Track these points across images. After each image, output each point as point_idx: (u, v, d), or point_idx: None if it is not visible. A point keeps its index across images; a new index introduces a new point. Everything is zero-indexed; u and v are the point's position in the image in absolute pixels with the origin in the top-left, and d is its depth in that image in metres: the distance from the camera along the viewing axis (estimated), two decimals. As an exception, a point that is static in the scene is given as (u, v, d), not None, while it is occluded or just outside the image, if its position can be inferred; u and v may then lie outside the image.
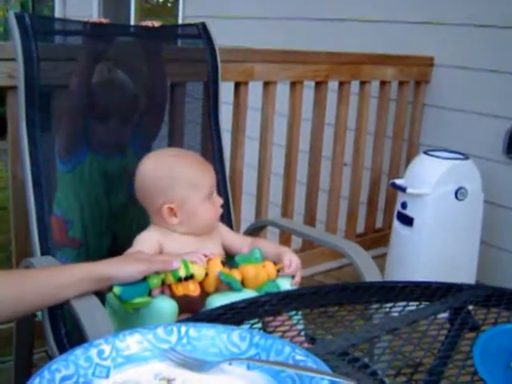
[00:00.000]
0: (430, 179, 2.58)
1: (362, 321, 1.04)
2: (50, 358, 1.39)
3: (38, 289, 1.19)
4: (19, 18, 1.50)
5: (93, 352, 0.77)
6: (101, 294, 1.27)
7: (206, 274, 1.30)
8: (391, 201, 3.09)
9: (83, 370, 0.75)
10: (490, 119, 2.92)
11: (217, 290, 1.31)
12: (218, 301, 1.23)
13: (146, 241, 1.41)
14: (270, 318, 1.06)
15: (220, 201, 1.49)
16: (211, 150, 1.86)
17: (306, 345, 1.03)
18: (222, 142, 1.88)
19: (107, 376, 0.76)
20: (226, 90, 1.98)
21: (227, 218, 1.81)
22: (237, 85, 2.37)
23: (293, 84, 2.61)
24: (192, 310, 1.28)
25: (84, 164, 1.63)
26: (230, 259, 1.46)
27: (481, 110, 2.96)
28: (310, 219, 2.87)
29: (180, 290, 1.26)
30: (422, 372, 0.87)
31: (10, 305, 1.16)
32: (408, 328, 1.00)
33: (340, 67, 2.78)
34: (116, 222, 1.69)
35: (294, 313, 1.11)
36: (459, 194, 2.58)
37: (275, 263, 1.39)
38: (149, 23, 1.73)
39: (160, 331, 0.82)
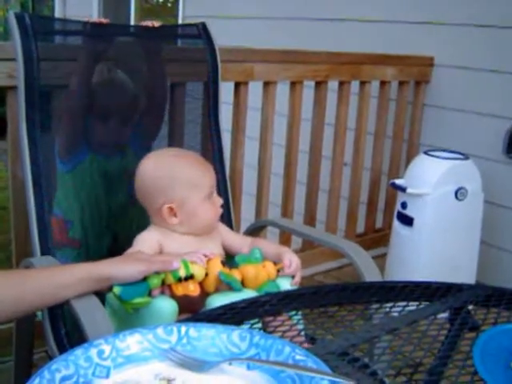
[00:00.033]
0: (430, 179, 2.58)
1: (361, 321, 1.04)
2: (50, 358, 1.39)
3: (38, 289, 1.19)
4: (19, 18, 1.50)
5: (93, 352, 0.77)
6: (101, 294, 1.27)
7: (206, 274, 1.30)
8: (391, 201, 3.09)
9: (83, 370, 0.75)
10: (489, 119, 2.92)
11: (217, 290, 1.31)
12: (217, 301, 1.23)
13: (146, 241, 1.41)
14: (270, 318, 1.06)
15: (220, 201, 1.49)
16: (211, 150, 1.86)
17: (305, 345, 1.03)
18: (221, 141, 1.88)
19: (107, 376, 0.76)
20: (225, 90, 1.98)
21: (227, 218, 1.81)
22: (237, 85, 2.37)
23: (293, 84, 2.61)
24: (192, 310, 1.28)
25: (84, 164, 1.63)
26: (229, 259, 1.46)
27: (481, 109, 2.96)
28: (310, 219, 2.87)
29: (180, 290, 1.26)
30: (422, 372, 0.87)
31: (10, 305, 1.16)
32: (408, 328, 1.00)
33: (340, 67, 2.78)
34: (116, 222, 1.69)
35: (294, 313, 1.11)
36: (459, 194, 2.58)
37: (275, 263, 1.39)
38: (149, 23, 1.73)
39: (160, 331, 0.82)
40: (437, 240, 2.62)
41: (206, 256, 1.32)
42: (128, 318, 1.27)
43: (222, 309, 1.03)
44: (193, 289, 1.27)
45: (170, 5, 5.87)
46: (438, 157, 2.64)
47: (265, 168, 2.58)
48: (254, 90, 2.46)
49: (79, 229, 1.63)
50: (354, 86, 2.89)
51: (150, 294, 1.25)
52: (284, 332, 0.97)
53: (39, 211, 1.50)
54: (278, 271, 1.39)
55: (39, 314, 1.43)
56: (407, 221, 2.65)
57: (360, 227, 3.16)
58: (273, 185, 2.65)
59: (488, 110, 2.93)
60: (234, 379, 0.76)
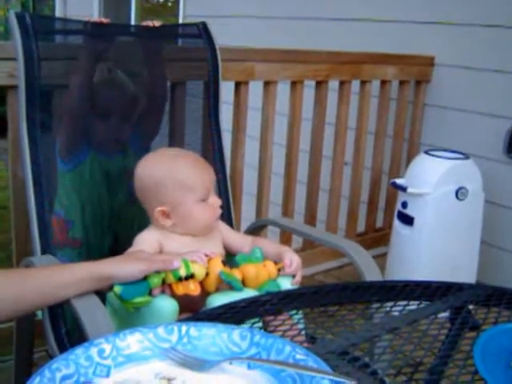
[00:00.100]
0: (431, 179, 2.58)
1: (362, 320, 1.04)
2: (51, 357, 1.39)
3: (39, 288, 1.19)
4: (20, 18, 1.50)
5: (93, 351, 0.77)
6: (101, 293, 1.27)
7: (207, 274, 1.30)
8: (392, 200, 3.09)
9: (84, 369, 0.75)
10: (490, 119, 2.92)
11: (217, 290, 1.31)
12: (218, 300, 1.23)
13: (146, 240, 1.41)
14: (271, 318, 1.06)
15: (218, 201, 1.47)
16: (212, 150, 1.86)
17: (306, 344, 1.03)
18: (222, 141, 1.88)
19: (108, 375, 0.76)
20: (226, 90, 1.98)
21: (227, 218, 1.81)
22: (237, 84, 2.37)
23: (293, 83, 2.61)
24: (192, 310, 1.28)
25: (85, 164, 1.63)
26: (230, 258, 1.46)
27: (481, 109, 2.96)
28: (310, 219, 2.87)
29: (180, 289, 1.26)
30: (422, 371, 0.87)
31: (11, 304, 1.16)
32: (408, 327, 1.00)
33: (340, 67, 2.78)
34: (117, 221, 1.69)
35: (294, 312, 1.11)
36: (460, 193, 2.58)
37: (276, 262, 1.39)
38: (149, 23, 1.73)
39: (160, 330, 0.82)
40: (437, 240, 2.62)
41: (206, 255, 1.32)
42: (128, 317, 1.27)
43: (222, 308, 1.03)
44: (193, 288, 1.27)
45: (170, 4, 5.88)
46: (438, 156, 2.64)
47: (265, 167, 2.58)
48: (255, 90, 2.46)
49: (80, 228, 1.63)
50: (355, 85, 2.89)
51: (150, 294, 1.25)
52: (284, 331, 0.97)
53: (39, 210, 1.50)
54: (279, 270, 1.39)
55: (39, 313, 1.43)
56: (408, 220, 2.65)
57: (360, 227, 3.16)
58: (273, 184, 2.65)
59: (489, 110, 2.93)
60: (235, 378, 0.76)
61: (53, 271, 1.25)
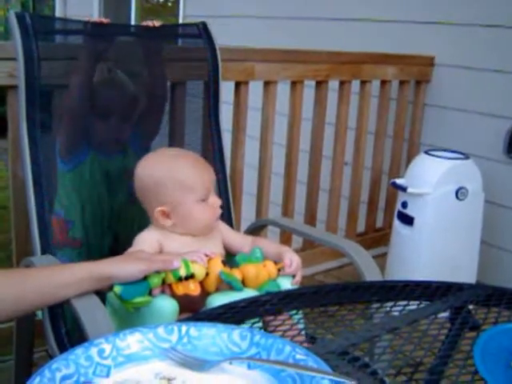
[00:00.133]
0: (431, 179, 2.58)
1: (362, 320, 1.04)
2: (51, 357, 1.39)
3: (39, 288, 1.19)
4: (20, 18, 1.50)
5: (93, 351, 0.77)
6: (101, 293, 1.27)
7: (207, 274, 1.30)
8: (392, 200, 3.09)
9: (84, 369, 0.75)
10: (490, 119, 2.92)
11: (217, 290, 1.31)
12: (218, 300, 1.23)
13: (146, 240, 1.41)
14: (271, 318, 1.06)
15: (218, 201, 1.47)
16: (212, 150, 1.86)
17: (306, 344, 1.03)
18: (222, 141, 1.88)
19: (108, 375, 0.76)
20: (226, 90, 1.98)
21: (227, 218, 1.81)
22: (237, 84, 2.37)
23: (293, 83, 2.61)
24: (192, 310, 1.28)
25: (85, 164, 1.63)
26: (230, 258, 1.46)
27: (481, 109, 2.96)
28: (310, 219, 2.87)
29: (180, 289, 1.26)
30: (422, 371, 0.87)
31: (11, 304, 1.16)
32: (408, 327, 1.00)
33: (340, 67, 2.78)
34: (117, 221, 1.69)
35: (294, 312, 1.11)
36: (460, 193, 2.58)
37: (276, 262, 1.39)
38: (149, 23, 1.73)
39: (160, 330, 0.82)
40: (437, 240, 2.62)
41: (206, 255, 1.32)
42: (128, 317, 1.27)
43: (222, 308, 1.03)
44: (193, 288, 1.27)
45: (170, 4, 5.88)
46: (438, 156, 2.64)
47: (265, 167, 2.58)
48: (255, 90, 2.46)
49: (80, 228, 1.64)
50: (355, 85, 2.89)
51: (150, 294, 1.25)
52: (284, 331, 0.97)
53: (39, 210, 1.50)
54: (279, 270, 1.39)
55: (39, 313, 1.43)
56: (408, 220, 2.65)
57: (360, 227, 3.16)
58: (273, 184, 2.65)
59: (489, 110, 2.93)
60: (235, 378, 0.76)
61: (53, 271, 1.25)
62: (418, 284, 1.17)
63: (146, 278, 1.24)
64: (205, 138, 1.90)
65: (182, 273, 1.26)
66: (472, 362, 0.84)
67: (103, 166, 1.66)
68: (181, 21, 4.75)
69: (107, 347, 0.78)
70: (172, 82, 1.91)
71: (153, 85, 1.77)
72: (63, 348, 1.35)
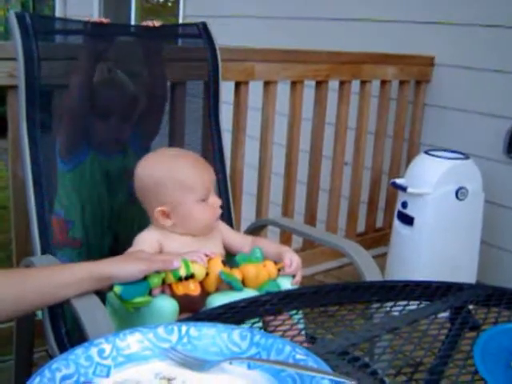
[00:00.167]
0: (431, 179, 2.58)
1: (362, 320, 1.04)
2: (51, 357, 1.39)
3: (39, 288, 1.19)
4: (20, 18, 1.50)
5: (93, 351, 0.77)
6: (101, 293, 1.27)
7: (207, 274, 1.30)
8: (392, 200, 3.09)
9: (84, 369, 0.75)
10: (490, 119, 2.92)
11: (217, 290, 1.31)
12: (218, 300, 1.23)
13: (146, 240, 1.41)
14: (271, 318, 1.06)
15: (218, 202, 1.47)
16: (212, 150, 1.86)
17: (306, 344, 1.03)
18: (222, 141, 1.88)
19: (108, 375, 0.76)
20: (226, 90, 1.98)
21: (227, 218, 1.81)
22: (237, 84, 2.37)
23: (293, 83, 2.61)
24: (192, 310, 1.28)
25: (85, 164, 1.63)
26: (230, 258, 1.46)
27: (481, 109, 2.96)
28: (310, 219, 2.87)
29: (180, 289, 1.26)
30: (422, 371, 0.87)
31: (11, 304, 1.16)
32: (408, 327, 1.00)
33: (340, 66, 2.78)
34: (117, 221, 1.69)
35: (294, 312, 1.11)
36: (460, 193, 2.58)
37: (276, 262, 1.39)
38: (149, 23, 1.73)
39: (160, 330, 0.82)
40: (437, 240, 2.62)
41: (206, 255, 1.32)
42: (128, 317, 1.27)
43: (222, 308, 1.03)
44: (193, 288, 1.27)
45: (170, 4, 5.88)
46: (438, 156, 2.64)
47: (265, 167, 2.58)
48: (255, 90, 2.46)
49: (80, 228, 1.63)
50: (355, 85, 2.89)
51: (150, 294, 1.25)
52: (284, 331, 0.97)
53: (39, 210, 1.50)
54: (279, 270, 1.39)
55: (39, 313, 1.43)
56: (408, 220, 2.65)
57: (360, 227, 3.16)
58: (273, 184, 2.65)
59: (489, 110, 2.93)
60: (235, 378, 0.76)
61: (53, 271, 1.25)
62: (417, 284, 1.17)
63: (145, 278, 1.24)
64: (205, 138, 1.90)
65: (182, 273, 1.26)
66: (472, 362, 0.84)
67: (103, 166, 1.66)
68: (181, 21, 4.75)
69: (107, 347, 0.78)
70: (172, 82, 1.91)
71: (153, 85, 1.77)
72: (63, 348, 1.35)
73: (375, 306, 1.10)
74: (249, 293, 1.28)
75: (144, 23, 1.74)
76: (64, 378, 0.73)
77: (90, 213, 1.65)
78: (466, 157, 2.67)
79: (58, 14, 6.20)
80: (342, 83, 2.82)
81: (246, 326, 0.98)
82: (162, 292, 1.27)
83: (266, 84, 2.50)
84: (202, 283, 1.30)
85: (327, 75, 2.71)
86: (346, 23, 3.52)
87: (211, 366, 0.77)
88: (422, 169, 2.67)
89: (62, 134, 1.62)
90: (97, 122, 1.65)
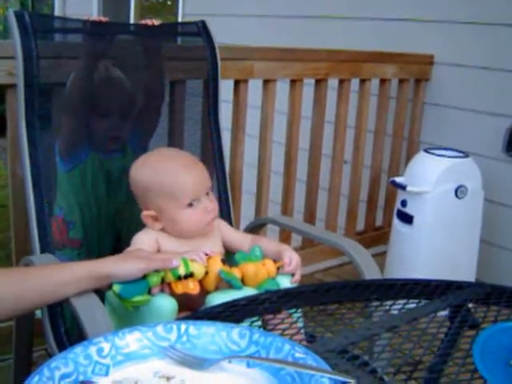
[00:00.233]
0: (430, 177, 2.58)
1: (361, 318, 1.04)
2: (50, 355, 1.39)
3: (39, 286, 1.19)
4: (19, 17, 1.50)
5: (92, 350, 0.77)
6: (100, 292, 1.27)
7: (206, 273, 1.30)
8: (391, 199, 3.09)
9: (83, 367, 0.75)
10: (490, 117, 2.92)
11: (217, 288, 1.31)
12: (217, 299, 1.22)
13: (145, 240, 1.41)
14: (270, 316, 1.06)
15: (210, 205, 1.43)
16: (211, 149, 1.86)
17: (305, 342, 1.03)
18: (221, 140, 1.88)
19: (107, 374, 0.76)
20: (225, 88, 1.98)
21: (227, 216, 1.82)
22: (236, 83, 2.37)
23: (292, 82, 2.61)
24: (191, 308, 1.28)
25: (85, 163, 1.63)
26: (229, 257, 1.45)
27: (481, 108, 2.96)
28: (309, 217, 2.87)
29: (179, 288, 1.26)
30: (421, 370, 0.87)
31: (11, 302, 1.16)
32: (408, 326, 1.00)
33: (340, 65, 2.78)
34: (117, 221, 1.69)
35: (293, 310, 1.11)
36: (459, 192, 2.58)
37: (275, 261, 1.39)
38: (148, 21, 1.73)
39: (159, 329, 0.82)
40: (437, 238, 2.62)
41: (206, 254, 1.32)
42: (127, 315, 1.27)
43: (221, 307, 1.03)
44: (192, 287, 1.27)
45: (169, 3, 5.87)
46: (438, 155, 2.64)
47: (265, 166, 2.58)
48: (254, 88, 2.46)
49: (80, 229, 1.63)
50: (354, 83, 2.89)
51: (149, 292, 1.25)
52: (284, 330, 0.97)
53: (39, 209, 1.50)
54: (278, 269, 1.39)
55: (39, 312, 1.43)
56: (407, 219, 2.65)
57: (360, 225, 3.16)
58: (273, 183, 2.65)
59: (488, 108, 2.93)
60: (234, 377, 0.76)
61: (52, 270, 1.25)
62: (417, 282, 1.17)
63: (145, 277, 1.23)
64: (204, 137, 1.90)
65: (182, 271, 1.26)
66: (471, 361, 0.84)
67: (103, 166, 1.66)
68: (180, 19, 4.75)
69: (106, 346, 0.78)
70: (171, 81, 1.90)
71: (152, 83, 1.77)
72: (62, 347, 1.35)
73: (374, 304, 1.10)
74: (248, 291, 1.27)
75: (143, 22, 1.74)
76: (63, 376, 0.73)
77: (90, 213, 1.64)
78: (466, 155, 2.67)
79: (57, 12, 6.19)
80: (341, 81, 2.82)
81: (245, 324, 0.98)
82: (161, 291, 1.27)
83: (266, 82, 2.49)
84: (201, 282, 1.29)
85: (326, 73, 2.71)
86: (345, 22, 3.52)
87: (210, 364, 0.77)
88: (422, 167, 2.67)
89: (62, 133, 1.62)
90: (96, 121, 1.65)
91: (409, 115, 3.20)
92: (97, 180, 1.65)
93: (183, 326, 0.83)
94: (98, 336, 0.80)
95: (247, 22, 4.09)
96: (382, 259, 2.73)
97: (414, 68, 3.14)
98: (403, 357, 0.89)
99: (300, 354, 0.76)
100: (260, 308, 1.05)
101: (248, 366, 0.77)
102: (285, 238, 2.72)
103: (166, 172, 1.41)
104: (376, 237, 3.17)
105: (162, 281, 1.26)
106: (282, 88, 2.58)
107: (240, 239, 1.55)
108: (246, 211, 2.51)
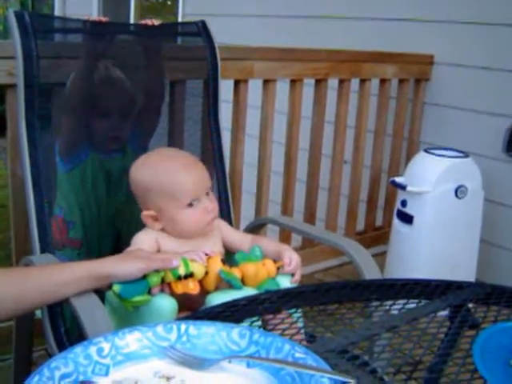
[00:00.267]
0: (430, 177, 2.58)
1: (361, 318, 1.04)
2: (50, 355, 1.39)
3: (39, 286, 1.19)
4: (19, 17, 1.50)
5: (92, 350, 0.77)
6: (100, 292, 1.27)
7: (206, 273, 1.30)
8: (391, 199, 3.09)
9: (83, 367, 0.75)
10: (490, 117, 2.92)
11: (217, 288, 1.31)
12: (217, 299, 1.22)
13: (145, 240, 1.41)
14: (270, 316, 1.06)
15: (210, 205, 1.43)
16: (211, 149, 1.86)
17: (305, 342, 1.03)
18: (221, 140, 1.88)
19: (106, 374, 0.76)
20: (225, 88, 1.98)
21: (227, 216, 1.81)
22: (236, 83, 2.37)
23: (292, 82, 2.61)
24: (191, 308, 1.28)
25: (85, 164, 1.63)
26: (229, 257, 1.45)
27: (481, 108, 2.96)
28: (309, 217, 2.86)
29: (179, 288, 1.26)
30: (421, 370, 0.87)
31: (11, 302, 1.16)
32: (408, 326, 1.00)
33: (340, 65, 2.78)
34: (117, 221, 1.69)
35: (293, 310, 1.11)
36: (459, 192, 2.58)
37: (275, 261, 1.39)
38: (148, 21, 1.73)
39: (159, 329, 0.82)
40: (437, 238, 2.62)
41: (206, 254, 1.32)
42: (127, 315, 1.27)
43: (221, 307, 1.03)
44: (192, 287, 1.27)
45: (169, 3, 5.87)
46: (438, 155, 2.64)
47: (265, 166, 2.58)
48: (254, 88, 2.46)
49: (80, 229, 1.63)
50: (354, 83, 2.89)
51: (149, 292, 1.25)
52: (284, 330, 0.97)
53: (39, 209, 1.50)
54: (278, 269, 1.39)
55: (39, 312, 1.43)
56: (407, 219, 2.65)
57: (360, 225, 3.16)
58: (273, 183, 2.65)
59: (488, 108, 2.93)
60: (234, 377, 0.76)
61: (52, 270, 1.25)
62: (417, 282, 1.17)
63: (145, 277, 1.23)
64: (204, 137, 1.89)
65: (182, 271, 1.26)
66: (471, 361, 0.84)
67: (103, 166, 1.66)
68: (180, 19, 4.75)
69: (106, 346, 0.78)
70: (171, 81, 1.90)
71: (152, 83, 1.77)
72: (62, 347, 1.35)
73: (374, 304, 1.10)
74: (248, 291, 1.27)
75: (143, 22, 1.74)
76: (63, 376, 0.73)
77: (90, 213, 1.64)
78: (466, 155, 2.67)
79: (57, 12, 6.19)
80: (341, 81, 2.82)
81: (245, 324, 0.98)
82: (161, 291, 1.27)
83: (266, 82, 2.49)
84: (201, 282, 1.29)
85: (326, 73, 2.71)
86: (345, 21, 3.52)
87: (210, 364, 0.77)
88: (422, 167, 2.67)
89: (62, 133, 1.62)
90: (96, 121, 1.64)
91: (409, 115, 3.20)
92: (97, 180, 1.65)
93: (183, 326, 0.83)
94: (98, 336, 0.80)
95: (247, 22, 4.09)
96: (381, 259, 2.73)
97: (414, 68, 3.14)
98: (403, 357, 0.89)
99: (300, 354, 0.76)
100: (260, 308, 1.05)
101: (248, 366, 0.77)
102: (285, 238, 2.72)
103: (166, 172, 1.41)
104: (376, 237, 3.17)
105: (162, 281, 1.26)
106: (281, 88, 2.58)
107: (240, 239, 1.55)
108: (246, 211, 2.51)
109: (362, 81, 2.92)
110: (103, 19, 1.65)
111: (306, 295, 1.14)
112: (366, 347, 1.01)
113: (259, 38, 3.46)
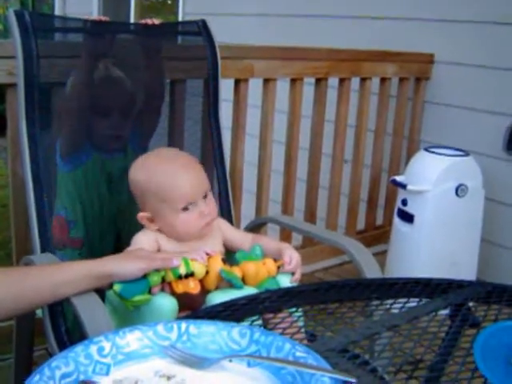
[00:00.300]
0: (431, 176, 2.58)
1: (362, 317, 1.04)
2: (50, 355, 1.39)
3: (38, 286, 1.19)
4: (19, 16, 1.50)
5: (93, 349, 0.77)
6: (101, 292, 1.27)
7: (207, 272, 1.30)
8: (391, 198, 3.09)
9: (83, 367, 0.75)
10: (490, 116, 2.92)
11: (217, 288, 1.31)
12: (218, 298, 1.22)
13: (145, 240, 1.41)
14: (271, 315, 1.06)
15: (207, 209, 1.41)
16: (211, 148, 1.86)
17: (306, 342, 1.03)
18: (222, 139, 1.88)
19: (107, 373, 0.76)
20: (225, 87, 1.98)
21: (227, 215, 1.81)
22: (237, 82, 2.37)
23: (293, 81, 2.61)
24: (192, 308, 1.28)
25: (85, 163, 1.63)
26: (229, 256, 1.45)
27: (481, 106, 2.96)
28: (310, 216, 2.86)
29: (180, 287, 1.26)
30: (422, 369, 0.87)
31: (11, 302, 1.16)
32: (408, 325, 1.00)
33: (340, 64, 2.78)
34: (119, 221, 1.69)
35: (294, 310, 1.11)
36: (460, 190, 2.58)
37: (275, 260, 1.39)
38: (149, 21, 1.73)
39: (160, 328, 0.82)
40: (437, 237, 2.62)
41: (207, 254, 1.32)
42: (128, 315, 1.27)
43: (222, 306, 1.03)
44: (193, 286, 1.27)
45: (170, 2, 5.87)
46: (438, 153, 2.64)
47: (265, 165, 2.58)
48: (254, 87, 2.46)
49: (81, 228, 1.63)
50: (354, 82, 2.89)
51: (150, 292, 1.25)
52: (284, 329, 0.97)
53: (39, 209, 1.50)
54: (279, 268, 1.39)
55: (39, 311, 1.43)
56: (407, 218, 2.65)
57: (360, 224, 3.16)
58: (273, 182, 2.65)
59: (488, 107, 2.93)
60: (235, 376, 0.76)
61: (52, 269, 1.25)
62: (417, 281, 1.17)
63: (145, 276, 1.23)
64: (204, 136, 1.89)
65: (182, 271, 1.26)
66: (472, 359, 0.84)
67: (105, 166, 1.66)
68: (180, 19, 4.75)
69: (107, 345, 0.78)
70: (171, 80, 1.91)
71: (152, 82, 1.77)
72: (63, 346, 1.35)
73: (375, 303, 1.10)
74: (248, 290, 1.27)
75: (143, 21, 1.74)
76: (64, 376, 0.73)
77: (91, 213, 1.64)
78: (466, 154, 2.67)
79: (58, 12, 6.19)
80: (341, 80, 2.82)
81: (245, 323, 0.98)
82: (162, 290, 1.27)
83: (266, 81, 2.49)
84: (201, 281, 1.29)
85: (327, 72, 2.71)
86: (345, 20, 3.52)
87: (211, 363, 0.77)
88: (422, 166, 2.67)
89: (62, 133, 1.62)
90: (96, 121, 1.64)
91: (409, 114, 3.20)
92: (99, 180, 1.65)
93: (184, 325, 0.83)
94: (98, 335, 0.80)
95: (247, 21, 4.09)
96: (382, 258, 2.73)
97: (414, 67, 3.13)
98: (404, 356, 0.89)
99: (301, 353, 0.76)
100: (260, 307, 1.05)
101: (249, 365, 0.77)
102: (285, 237, 2.72)
103: (164, 174, 1.40)
104: (376, 236, 3.17)
105: (163, 280, 1.26)
106: (282, 87, 2.58)
107: (240, 238, 1.55)
108: (247, 210, 2.51)
109: (363, 80, 2.92)
110: (103, 18, 1.65)
111: (307, 294, 1.14)
112: (367, 346, 1.01)
113: (259, 37, 3.46)
